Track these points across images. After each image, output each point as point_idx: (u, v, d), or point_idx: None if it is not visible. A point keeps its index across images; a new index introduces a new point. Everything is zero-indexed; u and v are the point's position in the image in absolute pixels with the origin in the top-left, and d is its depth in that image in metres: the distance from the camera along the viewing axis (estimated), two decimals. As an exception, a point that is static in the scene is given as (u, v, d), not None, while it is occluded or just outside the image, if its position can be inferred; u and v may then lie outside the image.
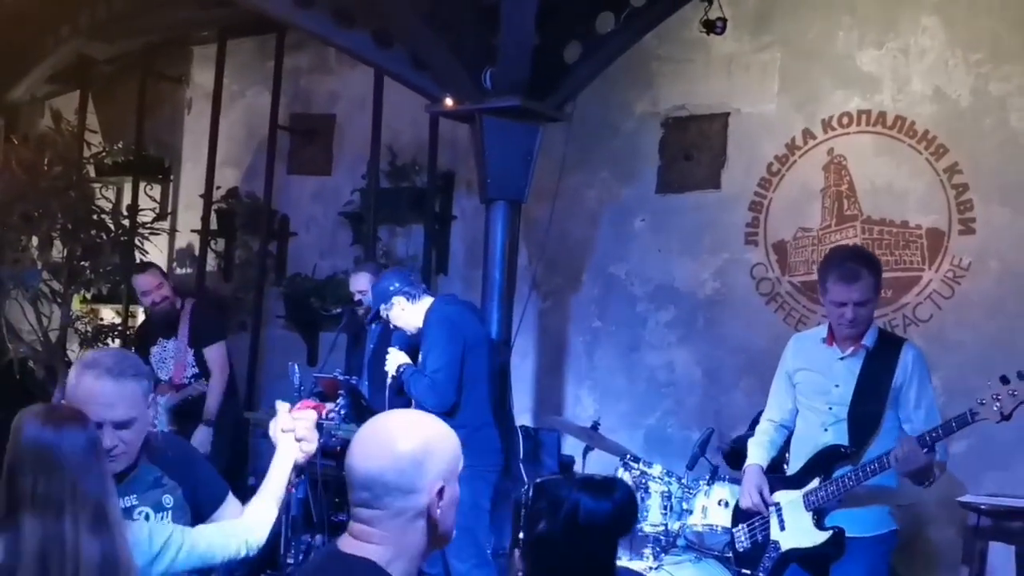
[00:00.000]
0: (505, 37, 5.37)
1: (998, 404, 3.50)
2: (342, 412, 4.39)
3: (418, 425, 2.19)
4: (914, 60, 5.85)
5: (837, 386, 4.02)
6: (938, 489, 4.37)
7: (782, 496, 4.09)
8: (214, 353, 6.07)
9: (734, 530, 4.30)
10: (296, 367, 4.57)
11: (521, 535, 2.47)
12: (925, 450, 3.66)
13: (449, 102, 5.73)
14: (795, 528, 4.01)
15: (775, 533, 4.08)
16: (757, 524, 4.17)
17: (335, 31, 5.81)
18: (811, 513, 3.96)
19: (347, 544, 2.13)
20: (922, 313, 5.75)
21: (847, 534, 3.91)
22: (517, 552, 2.42)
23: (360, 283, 5.96)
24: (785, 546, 4.03)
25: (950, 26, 5.76)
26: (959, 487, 5.18)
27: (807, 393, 4.14)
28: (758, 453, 4.26)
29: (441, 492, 2.12)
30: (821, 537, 3.93)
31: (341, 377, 4.41)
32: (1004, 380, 3.52)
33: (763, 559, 4.09)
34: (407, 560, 2.13)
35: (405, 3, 5.47)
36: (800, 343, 4.26)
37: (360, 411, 4.43)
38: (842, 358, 4.03)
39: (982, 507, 4.95)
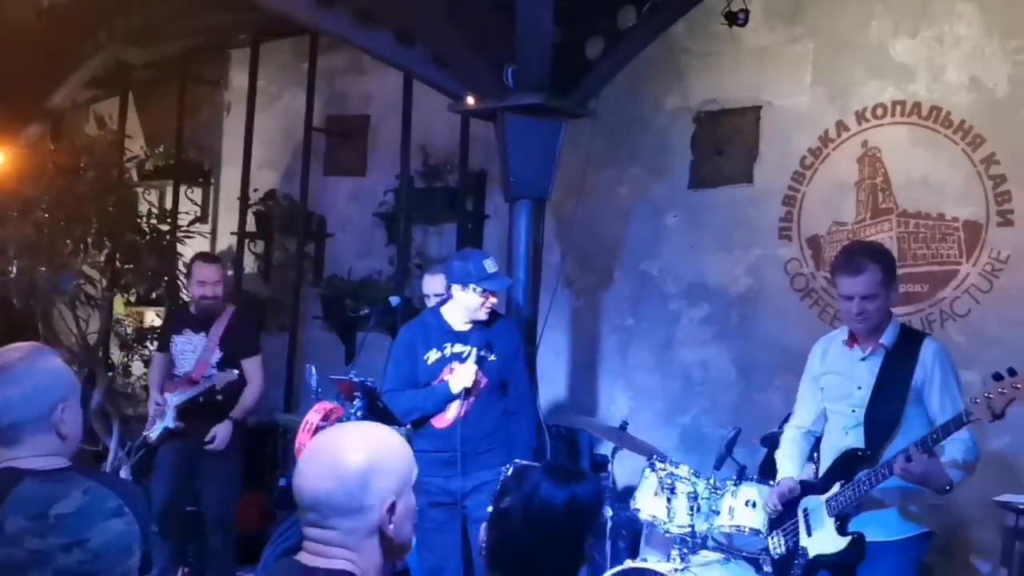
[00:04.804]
0: (524, 34, 5.32)
1: (989, 402, 3.39)
2: (358, 414, 4.39)
3: (364, 440, 2.08)
4: (949, 49, 5.70)
5: (859, 388, 3.95)
6: (976, 489, 4.26)
7: (810, 502, 4.03)
8: (253, 366, 6.01)
9: (769, 538, 4.24)
10: (313, 369, 4.56)
11: (490, 508, 2.48)
12: (927, 456, 3.56)
13: (471, 100, 5.70)
14: (820, 534, 3.95)
15: (803, 539, 4.03)
16: (789, 530, 4.10)
17: (357, 32, 5.79)
18: (834, 518, 3.89)
19: (311, 559, 2.04)
20: (960, 308, 5.60)
21: (872, 538, 3.83)
22: (484, 524, 2.43)
23: (436, 285, 5.59)
24: (812, 552, 3.97)
25: (986, 13, 5.60)
26: (997, 487, 5.02)
27: (832, 397, 4.09)
28: (788, 467, 4.19)
29: (392, 507, 2.04)
30: (843, 543, 3.85)
31: (357, 379, 4.37)
32: (997, 377, 3.41)
33: (793, 566, 4.03)
34: (375, 571, 2.06)
35: (425, 2, 5.46)
36: (825, 347, 4.19)
37: (377, 413, 4.40)
38: (863, 359, 3.96)
39: (1021, 507, 4.81)
